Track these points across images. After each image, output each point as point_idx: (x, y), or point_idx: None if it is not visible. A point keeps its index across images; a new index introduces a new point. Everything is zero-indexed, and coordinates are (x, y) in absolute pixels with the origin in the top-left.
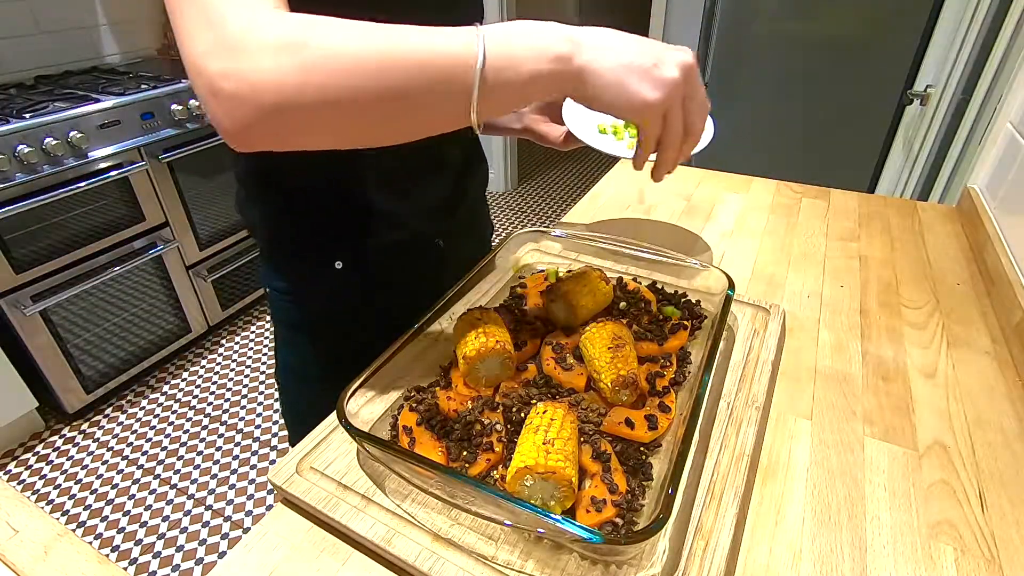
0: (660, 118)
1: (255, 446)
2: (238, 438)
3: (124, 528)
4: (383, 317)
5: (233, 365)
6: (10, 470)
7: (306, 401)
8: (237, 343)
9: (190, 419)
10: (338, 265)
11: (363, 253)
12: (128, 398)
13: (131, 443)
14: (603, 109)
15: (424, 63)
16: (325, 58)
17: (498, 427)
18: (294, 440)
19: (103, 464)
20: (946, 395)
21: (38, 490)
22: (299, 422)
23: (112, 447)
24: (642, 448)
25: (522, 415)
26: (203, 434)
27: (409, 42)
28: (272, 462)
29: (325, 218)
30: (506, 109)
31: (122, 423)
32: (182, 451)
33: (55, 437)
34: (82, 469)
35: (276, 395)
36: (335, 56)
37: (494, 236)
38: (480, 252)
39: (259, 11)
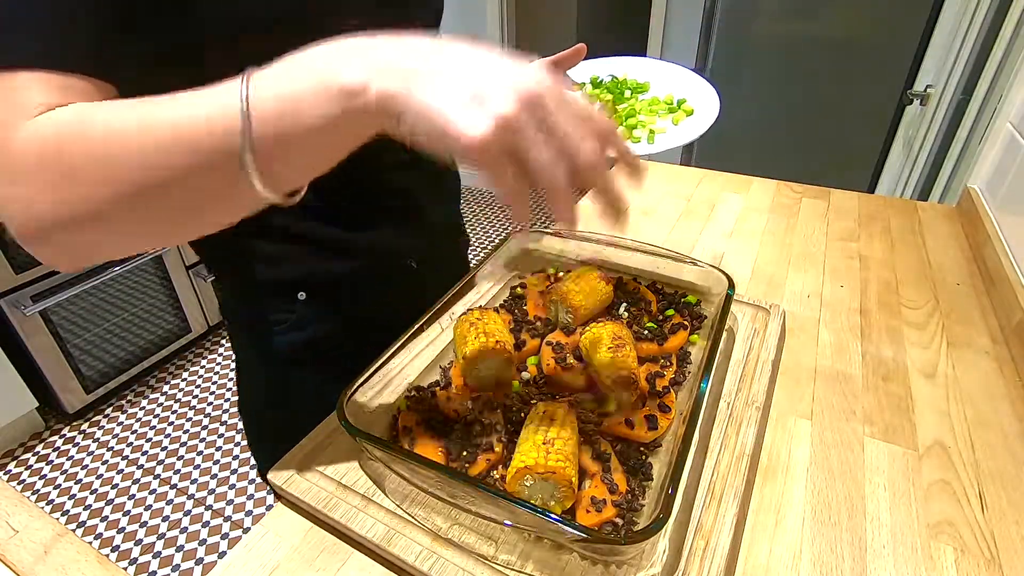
0: (498, 162)
1: None
2: (238, 438)
3: (124, 528)
4: (359, 350)
5: (233, 365)
6: (10, 470)
7: (272, 429)
8: None
9: (190, 419)
10: (301, 296)
11: (327, 283)
12: (128, 398)
13: (131, 443)
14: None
15: (179, 137)
16: (72, 166)
17: (498, 427)
18: (262, 466)
19: (103, 464)
20: (946, 395)
21: (38, 490)
22: (268, 449)
23: (112, 447)
24: (642, 448)
25: (522, 415)
26: (203, 434)
27: (159, 118)
28: None
29: (279, 250)
30: (310, 169)
31: (122, 423)
32: (182, 451)
33: (55, 437)
34: (82, 469)
35: None
36: (84, 158)
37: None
38: (459, 268)
39: (15, 124)
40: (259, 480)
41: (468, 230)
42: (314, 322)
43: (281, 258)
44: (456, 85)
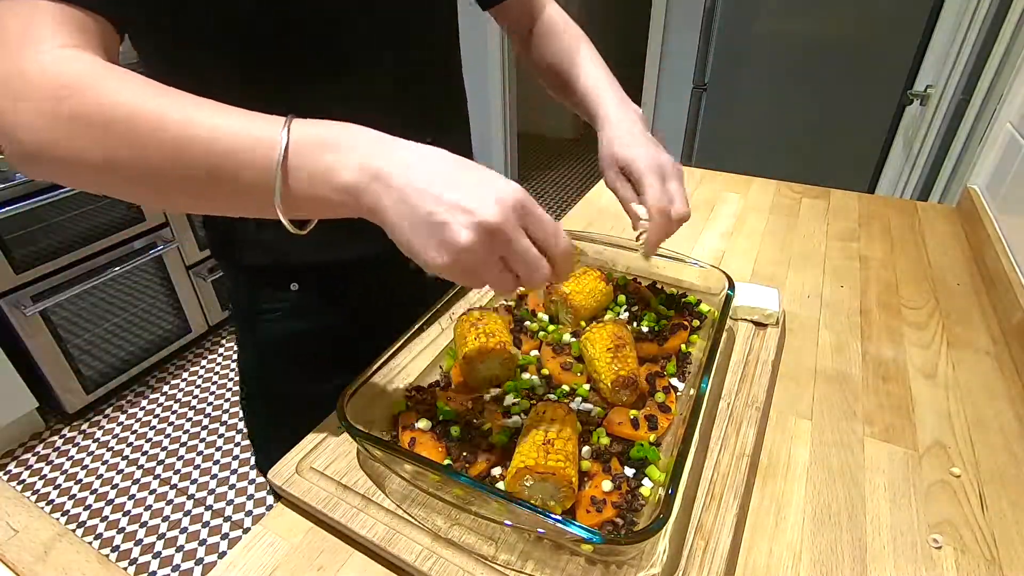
0: (466, 276)
1: None
2: (238, 438)
3: (124, 528)
4: (352, 344)
5: (233, 365)
6: (10, 470)
7: (264, 419)
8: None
9: (190, 419)
10: (294, 287)
11: (319, 274)
12: (128, 398)
13: (131, 443)
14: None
15: (213, 152)
16: (89, 120)
17: (498, 427)
18: (258, 460)
19: (103, 464)
20: (946, 395)
21: (38, 490)
22: (262, 439)
23: (112, 447)
24: None
25: (522, 415)
26: (203, 434)
27: (198, 123)
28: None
29: (274, 238)
30: (313, 215)
31: (122, 423)
32: (182, 451)
33: (55, 437)
34: (82, 469)
35: None
36: (102, 119)
37: None
38: None
39: (42, 50)
40: (259, 480)
41: None
42: (306, 314)
43: (275, 246)
44: (423, 211)
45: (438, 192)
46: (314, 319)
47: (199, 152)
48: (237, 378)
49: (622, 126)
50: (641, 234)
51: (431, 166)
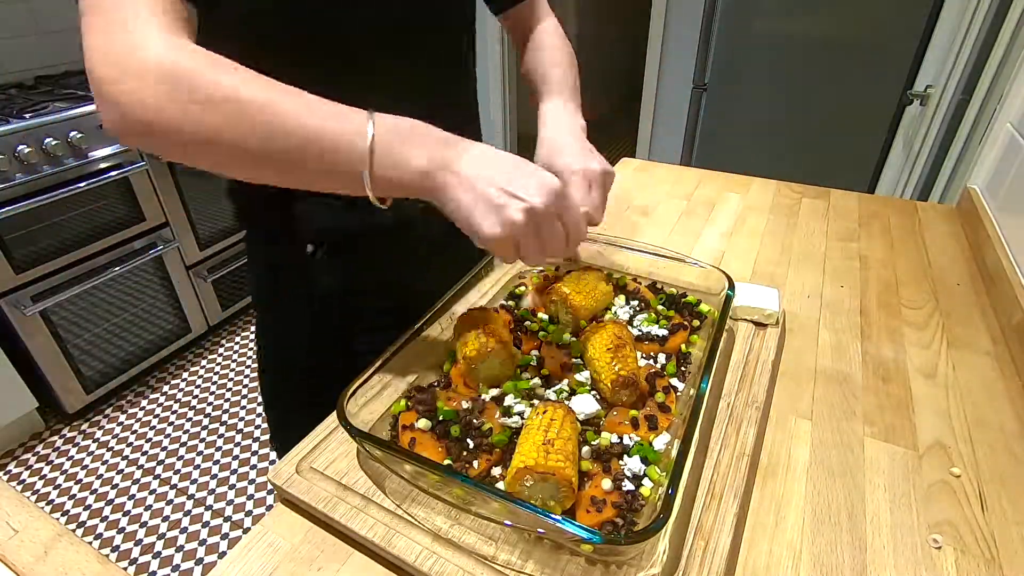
0: (508, 247)
1: (255, 446)
2: (238, 438)
3: (124, 528)
4: (367, 314)
5: (233, 365)
6: (10, 470)
7: (284, 392)
8: (237, 343)
9: (190, 419)
10: (309, 249)
11: (337, 238)
12: (128, 398)
13: (131, 443)
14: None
15: (308, 137)
16: (205, 102)
17: (498, 427)
18: (276, 435)
19: (103, 464)
20: (946, 395)
21: (38, 490)
22: (280, 420)
23: (112, 447)
24: None
25: (522, 415)
26: (203, 434)
27: (300, 112)
28: (272, 462)
29: (290, 200)
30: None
31: (122, 423)
32: (182, 451)
33: (55, 437)
34: (82, 469)
35: None
36: (219, 101)
37: None
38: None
39: (150, 32)
40: (259, 480)
41: None
42: (323, 281)
43: (294, 212)
44: (485, 193)
45: (500, 182)
46: (327, 281)
47: (302, 136)
48: (237, 378)
49: (557, 139)
50: None
51: (492, 160)
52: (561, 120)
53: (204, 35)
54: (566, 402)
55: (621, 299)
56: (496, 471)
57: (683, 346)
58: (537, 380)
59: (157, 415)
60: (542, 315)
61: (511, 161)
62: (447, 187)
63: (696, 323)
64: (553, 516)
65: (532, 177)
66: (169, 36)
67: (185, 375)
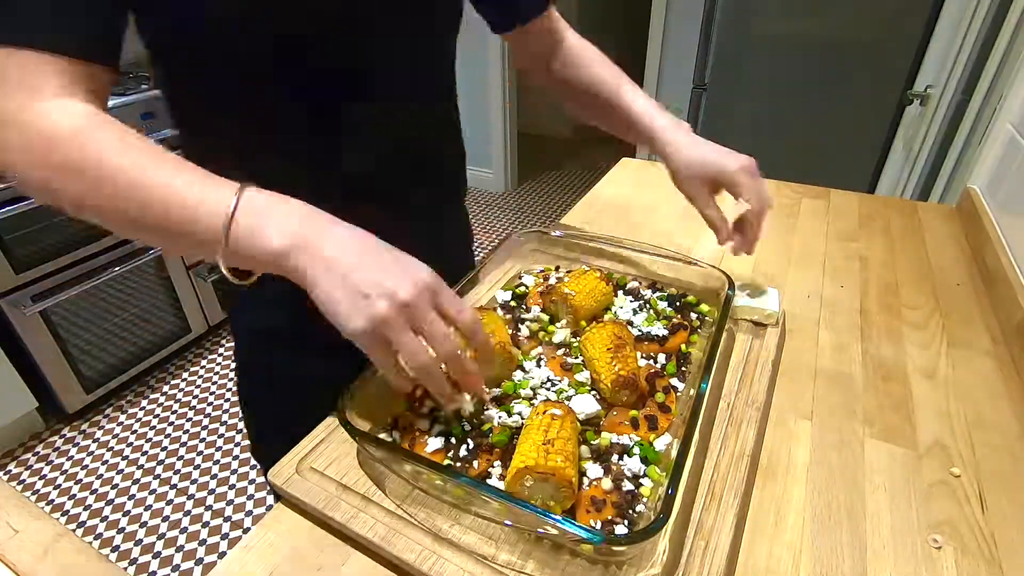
0: (378, 345)
1: None
2: (238, 438)
3: (124, 528)
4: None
5: (233, 365)
6: (10, 470)
7: (270, 411)
8: None
9: (190, 419)
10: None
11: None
12: (128, 398)
13: (131, 443)
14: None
15: (170, 212)
16: (72, 169)
17: (498, 427)
18: (259, 456)
19: (103, 464)
20: (946, 395)
21: (38, 490)
22: (267, 433)
23: (112, 447)
24: None
25: (522, 415)
26: (203, 434)
27: (158, 184)
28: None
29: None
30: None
31: (122, 423)
32: (182, 451)
33: (55, 437)
34: (82, 469)
35: None
36: (84, 170)
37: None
38: (465, 253)
39: (42, 96)
40: (259, 480)
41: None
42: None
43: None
44: (346, 283)
45: (364, 269)
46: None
47: (163, 208)
48: (237, 378)
49: (696, 142)
50: (727, 242)
51: (358, 245)
52: (680, 130)
53: (188, 75)
54: (566, 402)
55: (621, 299)
56: (496, 471)
57: (683, 346)
58: (537, 380)
59: (157, 415)
60: (542, 315)
61: (378, 247)
62: (305, 270)
63: (696, 323)
64: (553, 516)
65: (401, 266)
66: (53, 103)
67: (185, 375)
